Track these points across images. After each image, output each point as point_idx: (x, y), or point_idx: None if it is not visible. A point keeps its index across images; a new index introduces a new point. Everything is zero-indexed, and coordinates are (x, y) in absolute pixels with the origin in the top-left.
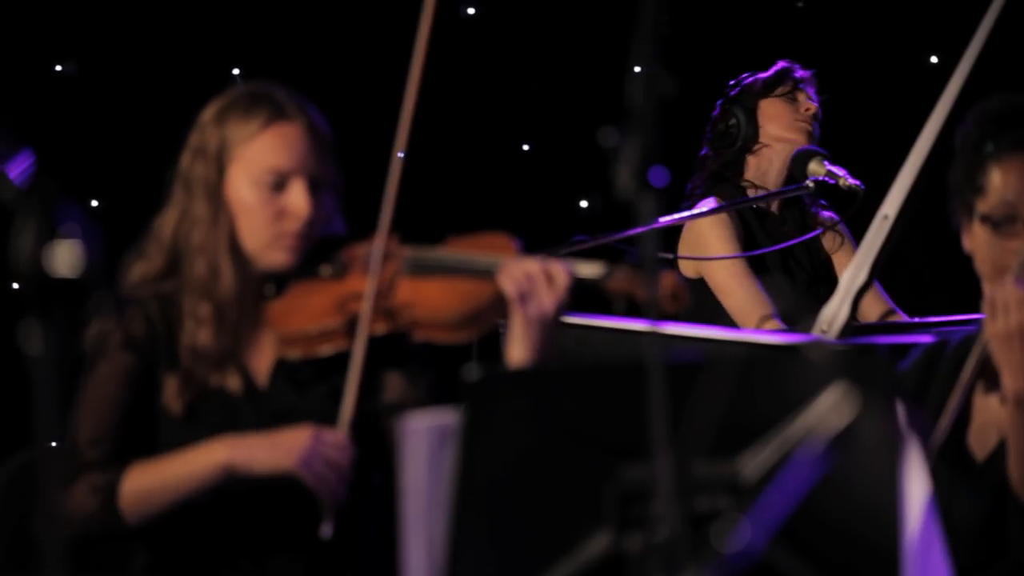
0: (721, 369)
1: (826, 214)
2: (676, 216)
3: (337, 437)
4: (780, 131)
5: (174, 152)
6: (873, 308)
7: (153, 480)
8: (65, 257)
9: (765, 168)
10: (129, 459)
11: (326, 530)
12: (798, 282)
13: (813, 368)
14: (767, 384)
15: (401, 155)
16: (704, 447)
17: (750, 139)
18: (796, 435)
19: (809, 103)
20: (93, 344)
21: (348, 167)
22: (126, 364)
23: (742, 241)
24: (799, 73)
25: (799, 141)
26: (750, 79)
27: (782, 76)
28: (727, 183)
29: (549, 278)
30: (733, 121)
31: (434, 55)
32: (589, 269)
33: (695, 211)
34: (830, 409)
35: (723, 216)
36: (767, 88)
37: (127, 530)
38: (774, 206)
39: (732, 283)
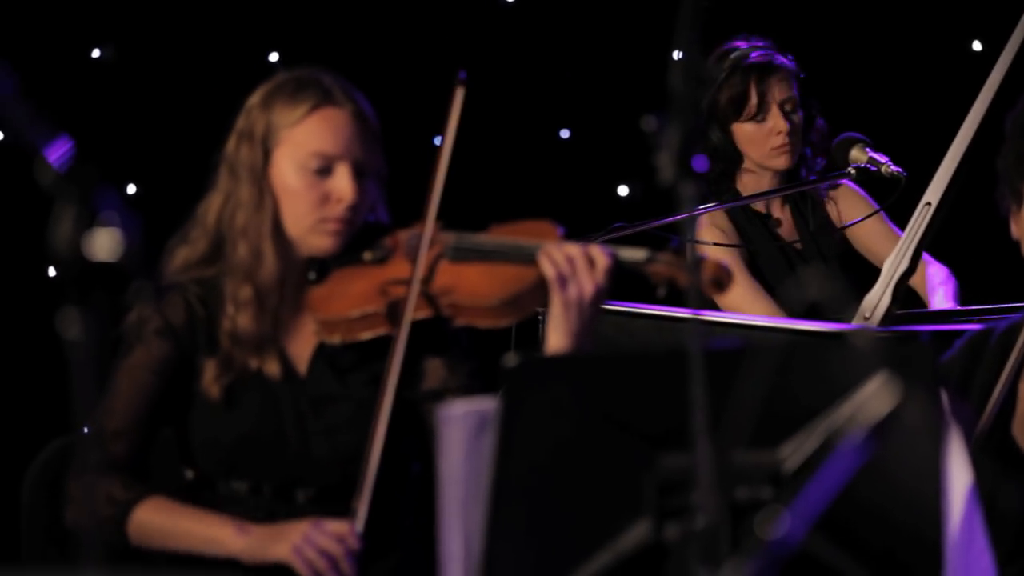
0: (762, 357)
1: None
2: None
3: (340, 528)
4: (759, 159)
5: (212, 138)
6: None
7: (165, 523)
8: (104, 243)
9: (758, 186)
10: (147, 471)
11: None
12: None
13: (856, 355)
14: (809, 372)
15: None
16: (745, 436)
17: (735, 160)
18: (838, 423)
19: (780, 122)
20: (130, 329)
21: (391, 156)
22: (161, 352)
23: (743, 255)
24: (760, 84)
25: (780, 165)
26: (715, 90)
27: (745, 93)
28: (727, 193)
29: (590, 261)
30: (711, 142)
31: (474, 45)
32: (631, 253)
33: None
34: (872, 397)
35: (719, 225)
36: (734, 109)
37: (126, 549)
38: (776, 209)
39: (744, 304)
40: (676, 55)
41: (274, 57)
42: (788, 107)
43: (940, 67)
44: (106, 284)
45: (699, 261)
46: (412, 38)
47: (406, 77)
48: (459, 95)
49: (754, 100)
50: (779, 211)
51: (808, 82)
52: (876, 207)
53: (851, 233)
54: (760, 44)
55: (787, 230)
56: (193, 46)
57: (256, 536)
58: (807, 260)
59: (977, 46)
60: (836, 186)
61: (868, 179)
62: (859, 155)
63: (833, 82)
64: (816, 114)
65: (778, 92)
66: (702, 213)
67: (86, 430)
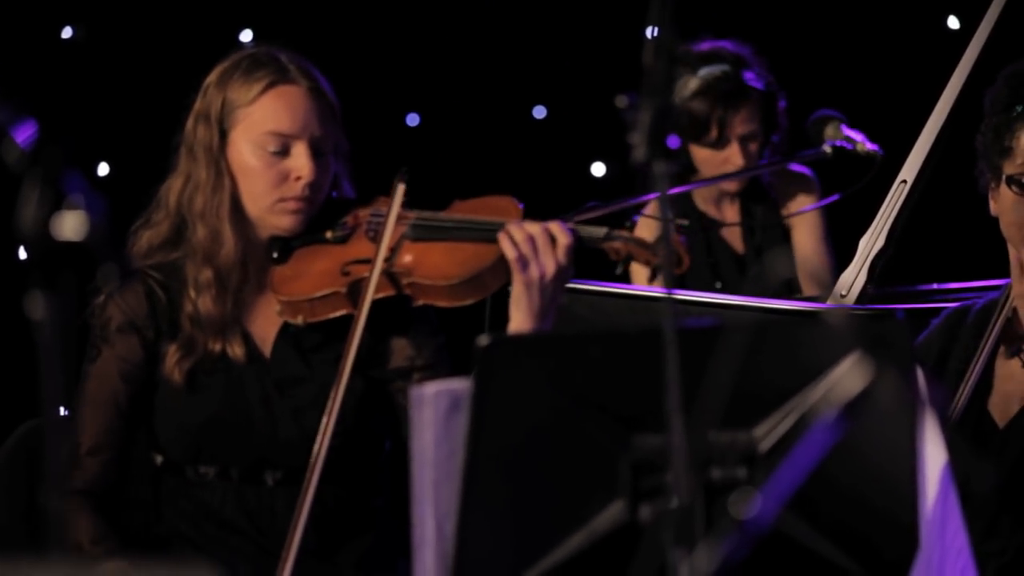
0: (736, 335)
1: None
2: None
3: None
4: (706, 175)
5: (182, 118)
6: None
7: None
8: (71, 225)
9: (709, 195)
10: (122, 491)
11: None
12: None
13: (830, 334)
14: (784, 351)
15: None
16: (719, 415)
17: (689, 169)
18: (812, 403)
19: (737, 157)
20: (96, 327)
21: (360, 130)
22: (126, 351)
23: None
24: (723, 115)
25: (730, 190)
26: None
27: (707, 121)
28: (678, 200)
29: (551, 240)
30: None
31: (448, 23)
32: (590, 231)
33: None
34: (846, 376)
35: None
36: (693, 133)
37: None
38: (729, 211)
39: None
40: (649, 33)
41: (246, 36)
42: (748, 140)
43: (916, 44)
44: (73, 266)
45: (670, 241)
46: (385, 17)
47: (377, 54)
48: (400, 190)
49: (715, 132)
50: (731, 213)
51: (784, 62)
52: (821, 216)
53: (794, 243)
54: (731, 50)
55: (733, 239)
56: (165, 25)
57: None
58: (742, 269)
59: (953, 23)
60: (792, 183)
61: (843, 157)
62: (834, 133)
63: (809, 59)
64: (778, 129)
65: (740, 126)
66: (677, 193)
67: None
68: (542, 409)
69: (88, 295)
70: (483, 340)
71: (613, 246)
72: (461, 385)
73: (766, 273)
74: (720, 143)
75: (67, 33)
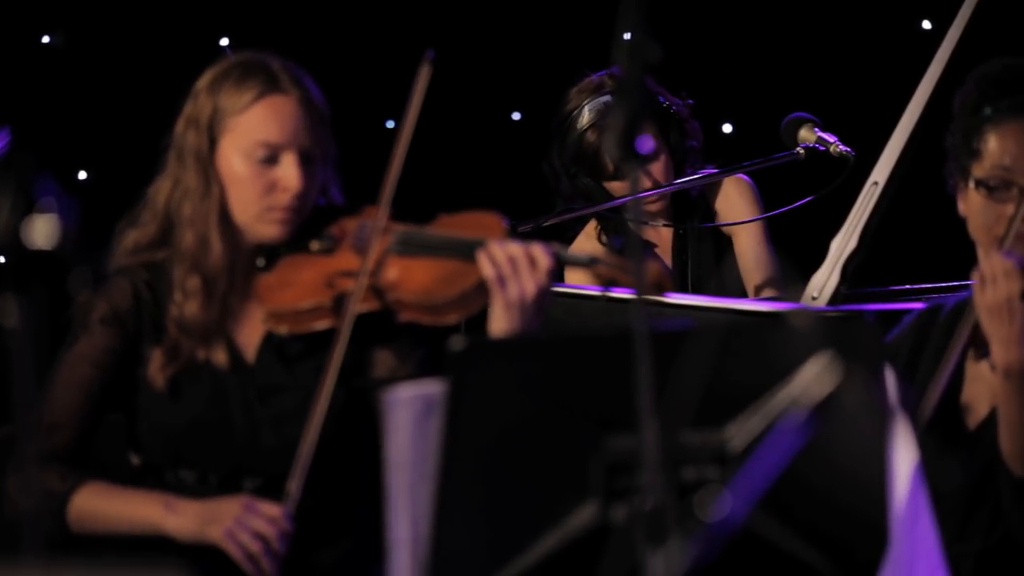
0: (706, 337)
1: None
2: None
3: (272, 510)
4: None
5: (163, 124)
6: (753, 276)
7: (99, 507)
8: (42, 231)
9: (640, 208)
10: (91, 452)
11: None
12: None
13: (797, 335)
14: (753, 352)
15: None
16: (689, 416)
17: (603, 199)
18: (781, 404)
19: (643, 181)
20: (77, 316)
21: (343, 137)
22: (105, 342)
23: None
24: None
25: (654, 209)
26: (575, 137)
27: (596, 154)
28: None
29: (532, 262)
30: (581, 188)
31: (427, 26)
32: (574, 255)
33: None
34: (814, 377)
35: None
36: (591, 170)
37: (70, 537)
38: (663, 228)
39: None
40: (626, 37)
41: (225, 41)
42: (651, 158)
43: (890, 46)
44: (44, 272)
45: (640, 241)
46: (364, 20)
47: (359, 59)
48: (425, 74)
49: (609, 165)
50: (664, 229)
51: (758, 65)
52: (759, 216)
53: (736, 248)
54: (615, 76)
55: (664, 253)
56: (144, 31)
57: (187, 516)
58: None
59: (927, 24)
60: (730, 190)
61: (817, 159)
62: (808, 135)
63: (782, 61)
64: (687, 141)
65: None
66: (648, 195)
67: (26, 420)
68: (515, 411)
69: (59, 300)
70: (456, 343)
71: (597, 271)
72: (435, 388)
73: (724, 283)
74: (620, 174)
75: (47, 39)
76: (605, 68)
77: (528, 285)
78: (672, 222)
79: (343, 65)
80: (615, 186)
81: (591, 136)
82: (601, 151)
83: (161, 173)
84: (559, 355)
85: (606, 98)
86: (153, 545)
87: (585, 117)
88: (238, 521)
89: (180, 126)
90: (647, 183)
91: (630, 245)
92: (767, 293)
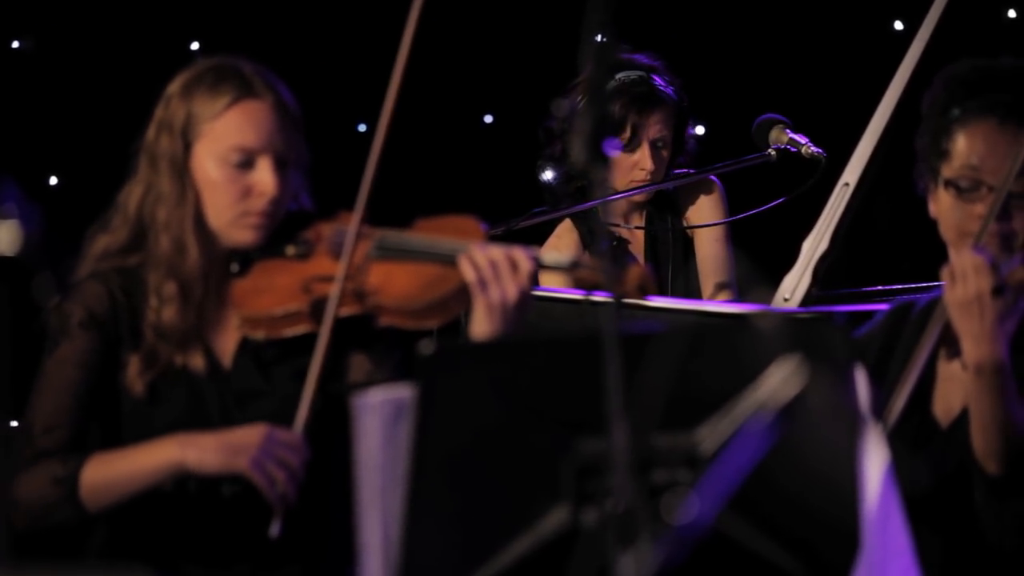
0: (675, 340)
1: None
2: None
3: (291, 437)
4: (617, 187)
5: (134, 129)
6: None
7: (111, 472)
8: (4, 237)
9: (613, 209)
10: (87, 447)
11: (274, 529)
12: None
13: (763, 338)
14: (722, 355)
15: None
16: (659, 419)
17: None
18: (750, 406)
19: (647, 161)
20: (54, 323)
21: (313, 141)
22: (86, 344)
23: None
24: (637, 117)
25: (637, 200)
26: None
27: (621, 122)
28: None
29: (513, 265)
30: (572, 159)
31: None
32: (555, 258)
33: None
34: (780, 380)
35: (567, 237)
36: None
37: (89, 518)
38: (637, 224)
39: None
40: (593, 39)
41: (195, 46)
42: (659, 145)
43: (862, 47)
44: (6, 277)
45: (605, 243)
46: (333, 25)
47: (328, 63)
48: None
49: (628, 133)
50: (636, 232)
51: (729, 65)
52: (725, 224)
53: (696, 248)
54: (645, 62)
55: (637, 251)
56: (114, 35)
57: (207, 448)
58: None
59: (899, 25)
60: (696, 190)
61: (788, 160)
62: (779, 136)
63: (754, 62)
64: (686, 143)
65: (653, 130)
66: (618, 199)
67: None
68: (485, 415)
69: (24, 306)
70: (425, 347)
71: (579, 275)
72: (405, 393)
73: (672, 282)
74: (632, 145)
75: (16, 44)
76: (574, 70)
77: (510, 289)
78: (646, 221)
79: (312, 69)
80: (616, 157)
81: (615, 104)
82: (627, 119)
83: (132, 178)
84: (528, 358)
85: (639, 72)
86: (131, 552)
87: (609, 86)
88: (263, 450)
89: (152, 131)
90: (641, 174)
91: (601, 246)
92: (722, 296)
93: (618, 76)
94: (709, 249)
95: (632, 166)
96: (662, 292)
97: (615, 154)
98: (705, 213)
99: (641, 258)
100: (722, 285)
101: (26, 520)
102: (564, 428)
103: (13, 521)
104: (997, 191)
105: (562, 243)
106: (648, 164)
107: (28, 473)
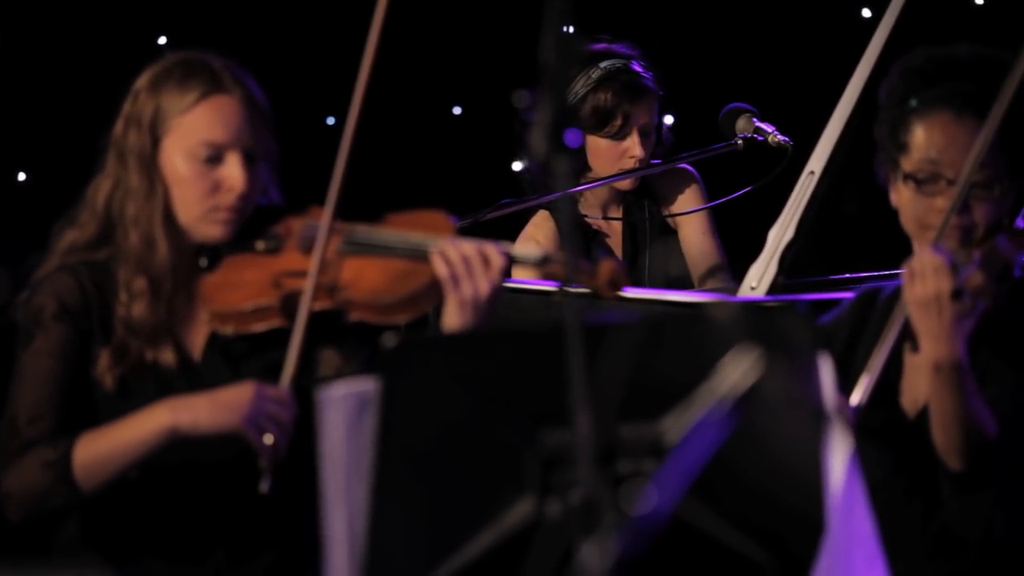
0: (636, 330)
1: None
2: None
3: (280, 393)
4: (604, 174)
5: (102, 124)
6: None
7: (103, 447)
8: None
9: (596, 197)
10: (74, 430)
11: (264, 486)
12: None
13: (722, 327)
14: (684, 344)
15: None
16: (623, 410)
17: (580, 170)
18: (709, 396)
19: (636, 148)
20: (27, 317)
21: (282, 135)
22: (62, 335)
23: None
24: (628, 105)
25: (624, 187)
26: (580, 96)
27: (613, 110)
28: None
29: (485, 261)
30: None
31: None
32: (526, 252)
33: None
34: (737, 369)
35: (545, 228)
36: (596, 123)
37: (83, 500)
38: (615, 214)
39: None
40: (553, 29)
41: (163, 40)
42: (646, 132)
43: (829, 35)
44: None
45: (573, 236)
46: (301, 18)
47: (295, 56)
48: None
49: (619, 120)
50: (615, 215)
51: (694, 54)
52: (709, 215)
53: (685, 246)
54: (625, 52)
55: (615, 243)
56: (81, 30)
57: (198, 409)
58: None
59: (866, 13)
60: (675, 181)
61: (755, 149)
62: (746, 125)
63: (720, 51)
64: (664, 133)
65: (642, 116)
66: (583, 190)
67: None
68: (449, 408)
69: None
70: (388, 340)
71: (550, 270)
72: (368, 386)
73: (650, 271)
74: (621, 133)
75: None
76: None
77: (482, 284)
78: (624, 211)
79: (281, 63)
80: (603, 146)
81: (604, 92)
82: (617, 108)
83: (100, 173)
84: (492, 350)
85: (623, 60)
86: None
87: (597, 74)
88: (255, 406)
89: (120, 126)
90: (631, 162)
91: (570, 242)
92: (712, 283)
93: (602, 65)
94: (695, 239)
95: (621, 154)
96: (640, 282)
97: (603, 143)
98: (685, 203)
99: (619, 249)
100: (711, 272)
101: (21, 511)
102: (529, 420)
103: (8, 515)
104: (958, 186)
105: (539, 232)
106: (638, 151)
107: (16, 465)
